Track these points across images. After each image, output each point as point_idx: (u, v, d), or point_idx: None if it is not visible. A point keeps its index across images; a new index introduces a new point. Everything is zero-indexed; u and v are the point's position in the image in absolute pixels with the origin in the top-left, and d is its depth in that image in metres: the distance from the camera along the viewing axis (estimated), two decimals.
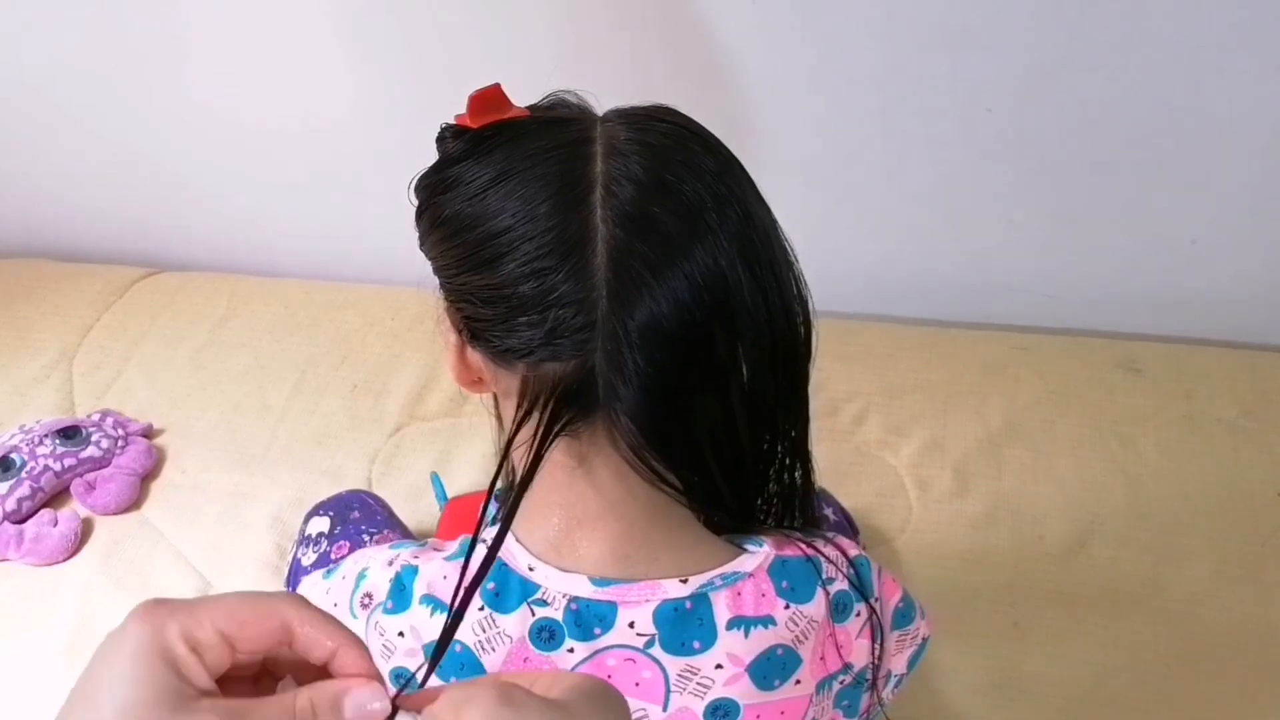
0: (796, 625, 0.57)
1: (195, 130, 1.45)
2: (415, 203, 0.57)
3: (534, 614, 0.56)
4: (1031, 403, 1.29)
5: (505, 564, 0.57)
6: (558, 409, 0.52)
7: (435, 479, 1.20)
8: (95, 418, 1.27)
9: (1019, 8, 1.14)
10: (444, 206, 0.54)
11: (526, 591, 0.56)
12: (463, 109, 0.55)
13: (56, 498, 1.21)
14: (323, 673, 0.37)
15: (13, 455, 1.18)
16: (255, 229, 1.57)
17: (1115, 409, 1.28)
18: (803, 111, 1.28)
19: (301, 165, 1.47)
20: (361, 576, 0.60)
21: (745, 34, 1.21)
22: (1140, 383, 1.31)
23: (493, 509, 0.54)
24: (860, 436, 1.27)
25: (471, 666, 0.56)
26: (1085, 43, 1.16)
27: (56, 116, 1.48)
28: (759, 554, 0.58)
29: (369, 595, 0.59)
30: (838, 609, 0.59)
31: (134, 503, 1.20)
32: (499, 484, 0.55)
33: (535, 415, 0.52)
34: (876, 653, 0.62)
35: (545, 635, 0.56)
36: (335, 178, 1.47)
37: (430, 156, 0.58)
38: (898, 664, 0.67)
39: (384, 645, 0.58)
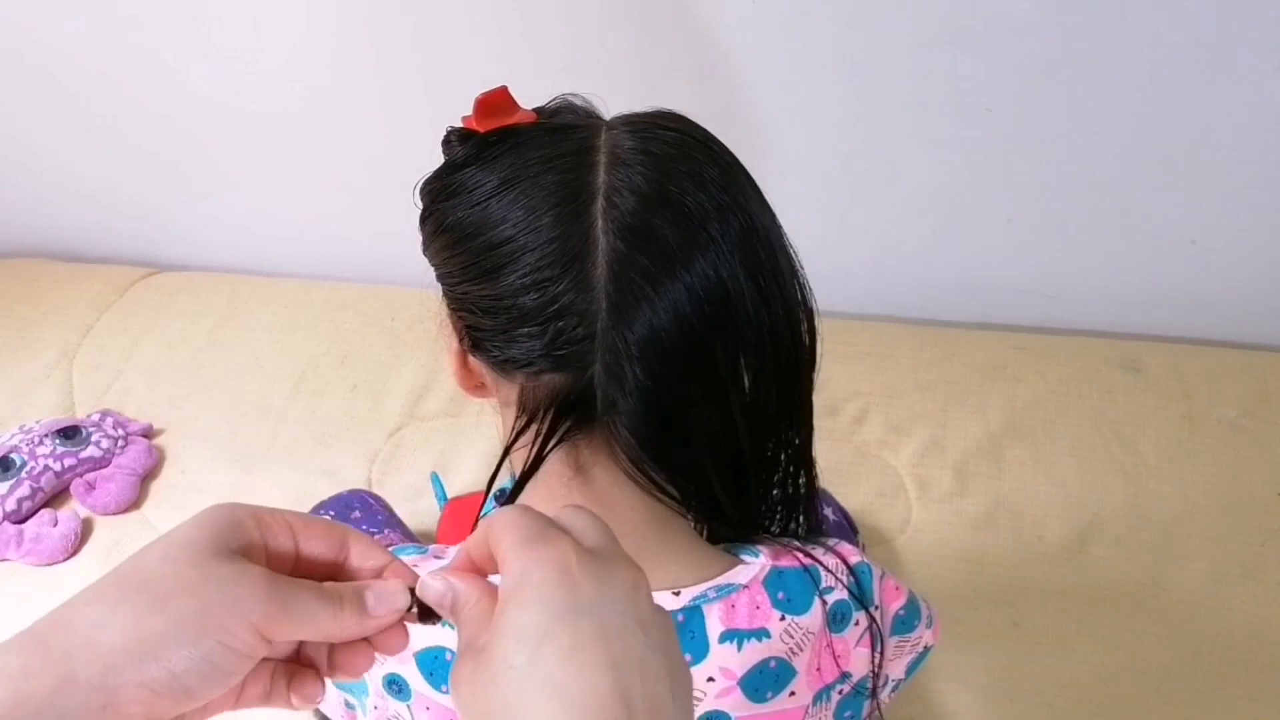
0: (791, 637, 0.56)
1: (195, 130, 1.45)
2: (420, 206, 0.57)
3: None
4: (1031, 403, 1.29)
5: None
6: (556, 420, 0.51)
7: (435, 479, 1.20)
8: (95, 418, 1.27)
9: (1019, 8, 1.14)
10: (447, 213, 0.53)
11: None
12: (466, 109, 0.55)
13: (56, 498, 1.20)
14: None
15: (13, 455, 1.18)
16: (255, 229, 1.57)
17: (1115, 409, 1.28)
18: (802, 111, 1.28)
19: (302, 165, 1.47)
20: None
21: (743, 33, 1.21)
22: (1140, 383, 1.31)
23: (490, 506, 0.53)
24: (860, 436, 1.27)
25: None
26: (1085, 43, 1.16)
27: (56, 116, 1.48)
28: (754, 565, 0.57)
29: None
30: (835, 619, 0.58)
31: (134, 503, 1.20)
32: (498, 487, 0.55)
33: (534, 425, 0.52)
34: (877, 661, 0.61)
35: None
36: (335, 178, 1.47)
37: (431, 157, 0.57)
38: (895, 669, 0.66)
39: None
